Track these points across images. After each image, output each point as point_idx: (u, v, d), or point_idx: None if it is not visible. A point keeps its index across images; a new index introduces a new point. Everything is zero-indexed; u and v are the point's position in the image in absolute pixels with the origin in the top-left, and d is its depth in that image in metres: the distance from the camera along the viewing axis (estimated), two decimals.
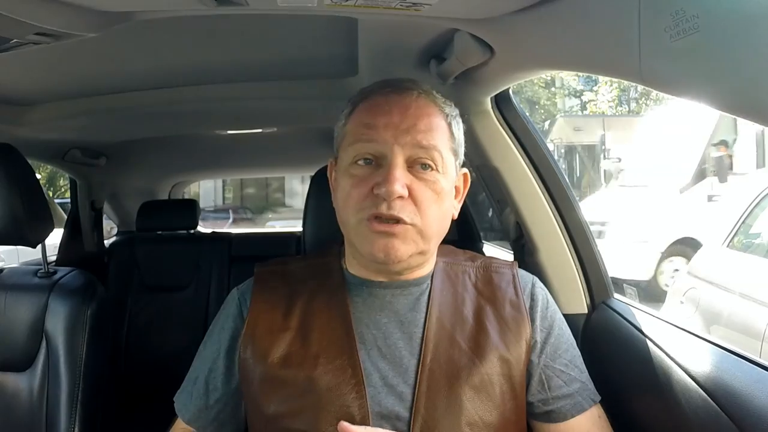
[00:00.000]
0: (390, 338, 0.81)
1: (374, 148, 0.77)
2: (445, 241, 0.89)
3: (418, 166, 0.77)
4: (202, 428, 0.87)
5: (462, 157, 0.85)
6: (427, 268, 0.86)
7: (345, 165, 0.81)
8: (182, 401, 0.89)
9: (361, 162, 0.79)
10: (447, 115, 0.82)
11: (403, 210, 0.75)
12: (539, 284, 0.91)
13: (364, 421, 0.76)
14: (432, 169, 0.78)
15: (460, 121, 0.86)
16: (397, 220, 0.76)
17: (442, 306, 0.84)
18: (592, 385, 0.88)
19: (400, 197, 0.75)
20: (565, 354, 0.86)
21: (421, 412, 0.77)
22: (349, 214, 0.79)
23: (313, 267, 0.90)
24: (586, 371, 0.89)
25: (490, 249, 2.05)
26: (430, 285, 0.85)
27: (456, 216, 0.86)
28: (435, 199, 0.78)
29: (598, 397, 0.87)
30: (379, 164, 0.78)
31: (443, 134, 0.80)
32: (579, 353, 0.89)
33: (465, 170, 0.87)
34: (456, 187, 0.85)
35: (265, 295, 0.87)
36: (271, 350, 0.82)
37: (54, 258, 2.27)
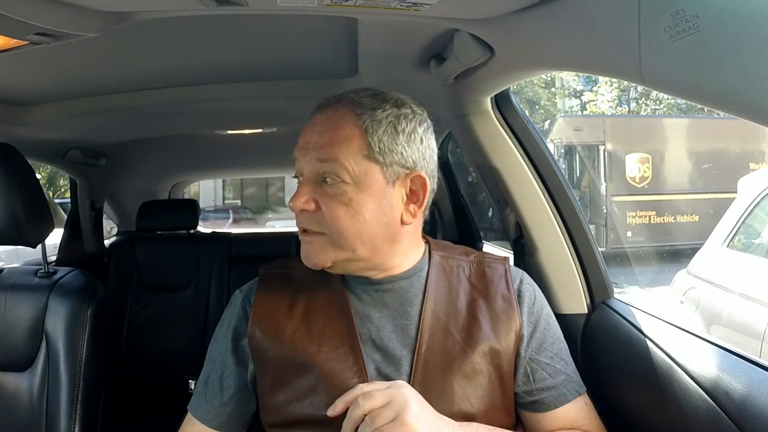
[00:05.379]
0: (383, 331, 0.85)
1: (295, 166, 0.86)
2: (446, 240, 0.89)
3: (324, 180, 0.81)
4: (219, 426, 0.90)
5: (404, 162, 0.82)
6: (408, 262, 0.88)
7: None
8: (196, 404, 0.91)
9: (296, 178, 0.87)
10: (363, 122, 0.80)
11: (307, 222, 0.83)
12: (527, 280, 0.94)
13: None
14: (337, 182, 0.80)
15: (396, 124, 0.81)
16: (306, 231, 0.83)
17: (437, 298, 0.87)
18: (579, 378, 0.91)
19: (305, 210, 0.82)
20: (551, 347, 0.89)
21: None
22: None
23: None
24: (573, 364, 0.92)
25: (490, 249, 2.05)
26: (426, 278, 0.88)
27: (408, 221, 0.84)
28: (345, 211, 0.80)
29: (584, 389, 0.90)
30: None
31: (350, 145, 0.80)
32: (566, 347, 0.92)
33: (418, 173, 0.83)
34: (412, 191, 0.84)
35: (268, 294, 0.91)
36: (278, 333, 0.86)
37: (54, 258, 2.27)
